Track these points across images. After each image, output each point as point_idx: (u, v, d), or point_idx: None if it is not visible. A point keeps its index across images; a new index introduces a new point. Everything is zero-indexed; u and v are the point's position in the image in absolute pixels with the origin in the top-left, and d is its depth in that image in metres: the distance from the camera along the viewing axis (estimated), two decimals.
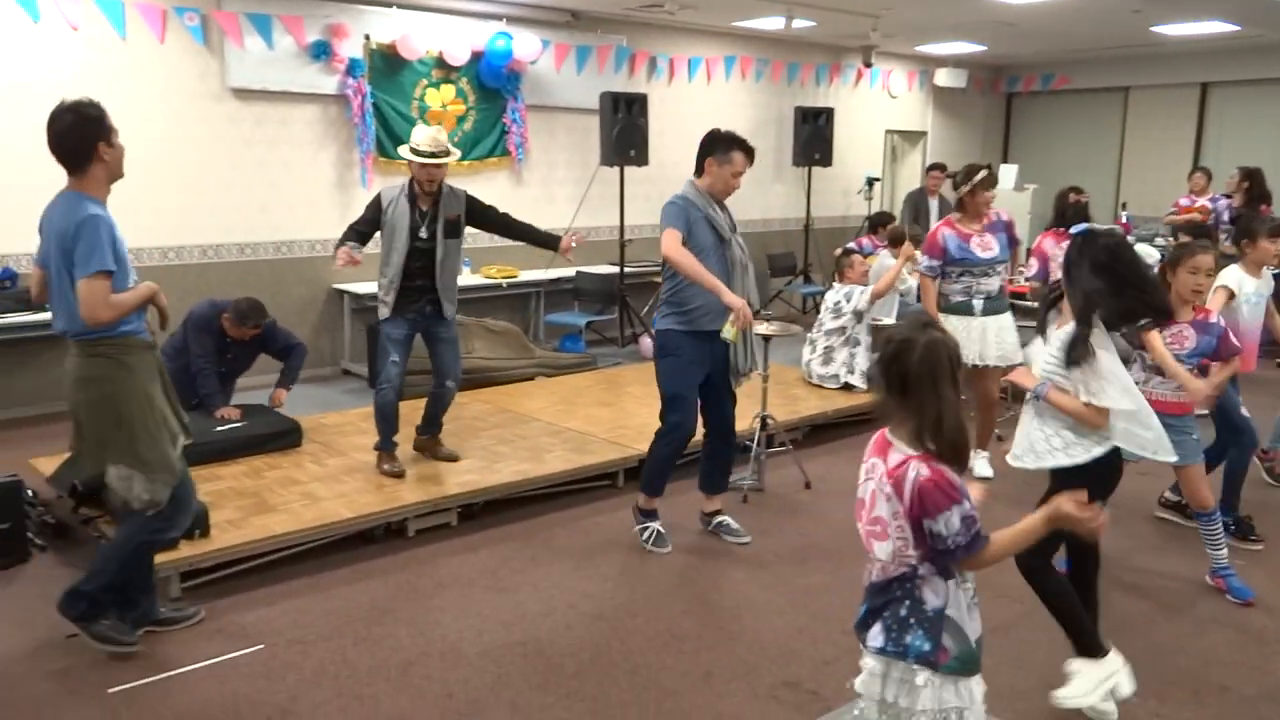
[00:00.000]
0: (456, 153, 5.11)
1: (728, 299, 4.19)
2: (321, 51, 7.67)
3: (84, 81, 6.67)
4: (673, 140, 9.76)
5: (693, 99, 10.33)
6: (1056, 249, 5.67)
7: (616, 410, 6.36)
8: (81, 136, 3.26)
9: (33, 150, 6.79)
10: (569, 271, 8.92)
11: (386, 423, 5.07)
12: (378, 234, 5.02)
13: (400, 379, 5.10)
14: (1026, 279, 6.62)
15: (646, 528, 4.62)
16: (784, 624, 3.86)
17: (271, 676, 3.43)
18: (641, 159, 8.75)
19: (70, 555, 4.43)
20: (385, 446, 5.10)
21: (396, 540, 4.60)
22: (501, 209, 5.33)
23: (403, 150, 5.01)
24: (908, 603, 2.18)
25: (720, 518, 4.75)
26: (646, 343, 8.81)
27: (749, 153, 4.42)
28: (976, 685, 2.23)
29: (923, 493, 2.08)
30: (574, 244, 5.11)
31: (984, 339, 5.37)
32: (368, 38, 7.89)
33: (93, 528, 4.43)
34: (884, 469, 2.17)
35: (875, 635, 2.23)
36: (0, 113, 6.47)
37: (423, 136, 4.94)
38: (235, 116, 7.43)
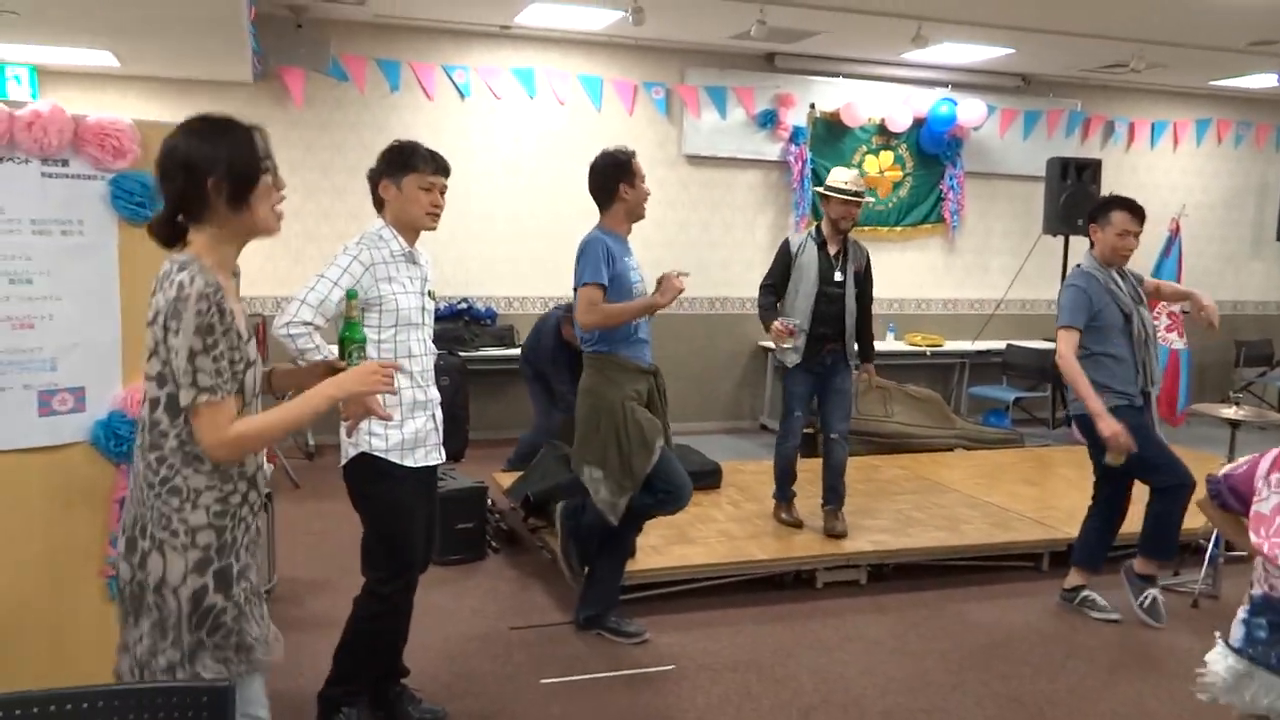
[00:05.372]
0: (870, 199, 5.25)
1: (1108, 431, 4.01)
2: (768, 120, 8.09)
3: (565, 147, 7.60)
4: None
5: (1154, 166, 9.48)
6: None
7: (1044, 490, 5.90)
8: (606, 177, 3.73)
9: (520, 205, 7.96)
10: (999, 344, 8.50)
11: (785, 473, 5.11)
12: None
13: (801, 432, 5.10)
14: None
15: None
16: None
17: (680, 695, 3.57)
18: None
19: (518, 559, 4.97)
20: (782, 497, 5.14)
21: (805, 589, 4.61)
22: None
23: (822, 188, 5.02)
24: None
25: (1151, 590, 4.32)
26: None
27: (1132, 209, 4.17)
28: None
29: None
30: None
31: None
32: (813, 106, 8.19)
33: (538, 537, 4.93)
34: None
35: None
36: (499, 174, 7.55)
37: (846, 175, 4.92)
38: (686, 180, 8.05)
